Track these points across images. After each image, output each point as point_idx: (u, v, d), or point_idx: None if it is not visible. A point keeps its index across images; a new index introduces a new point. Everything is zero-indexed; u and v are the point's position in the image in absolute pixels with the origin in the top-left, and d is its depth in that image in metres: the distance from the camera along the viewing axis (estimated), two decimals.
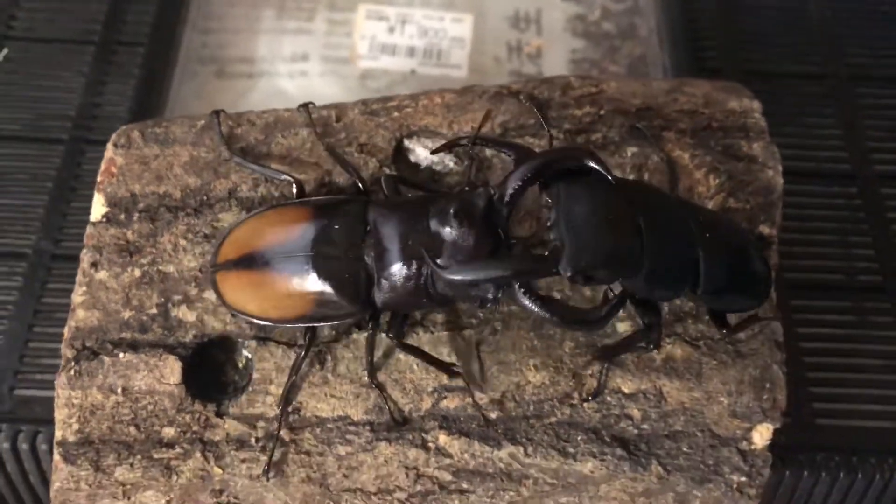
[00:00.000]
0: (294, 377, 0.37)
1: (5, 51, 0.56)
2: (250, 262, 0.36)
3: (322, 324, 0.37)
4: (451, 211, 0.34)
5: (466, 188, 0.35)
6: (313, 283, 0.36)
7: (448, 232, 0.34)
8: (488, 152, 0.39)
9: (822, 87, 0.58)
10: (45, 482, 0.44)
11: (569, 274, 0.32)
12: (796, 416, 0.45)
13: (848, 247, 0.52)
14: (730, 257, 0.36)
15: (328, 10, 0.64)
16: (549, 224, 0.33)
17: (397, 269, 0.35)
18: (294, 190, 0.38)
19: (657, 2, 0.63)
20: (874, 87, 0.58)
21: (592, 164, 0.33)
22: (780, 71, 0.59)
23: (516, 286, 0.33)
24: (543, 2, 0.66)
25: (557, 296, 0.38)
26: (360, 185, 0.38)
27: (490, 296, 0.34)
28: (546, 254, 0.32)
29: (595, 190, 0.33)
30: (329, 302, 0.36)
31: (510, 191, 0.33)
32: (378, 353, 0.37)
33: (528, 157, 0.33)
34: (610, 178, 0.33)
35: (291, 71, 0.62)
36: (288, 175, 0.38)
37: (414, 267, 0.34)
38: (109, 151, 0.40)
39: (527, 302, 0.33)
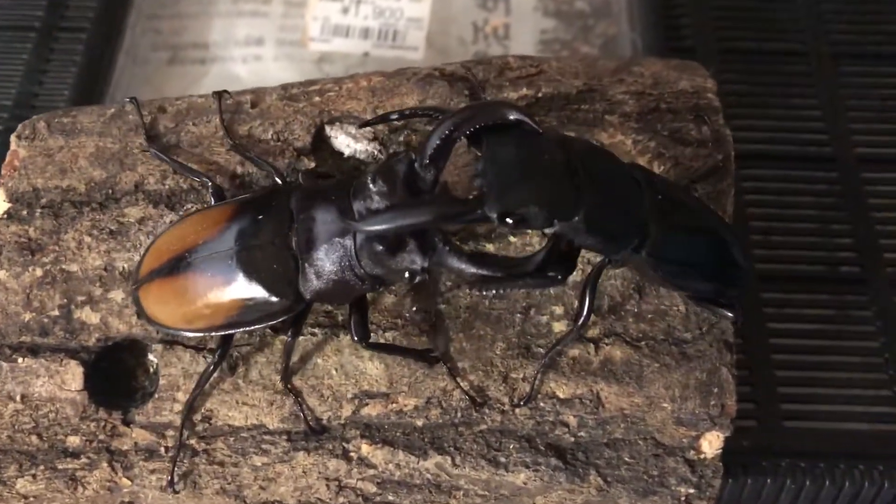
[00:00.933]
0: (202, 387, 0.34)
1: None
2: (173, 268, 0.34)
3: (254, 327, 0.35)
4: (369, 177, 0.31)
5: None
6: (240, 281, 0.33)
7: (368, 199, 0.31)
8: (415, 138, 0.37)
9: (802, 66, 0.55)
10: None
11: (495, 214, 0.30)
12: (762, 418, 0.43)
13: (826, 235, 0.49)
14: (688, 231, 0.34)
15: None
16: (476, 174, 0.30)
17: (322, 251, 0.32)
18: (210, 193, 0.35)
19: None
20: (858, 65, 0.55)
21: (515, 117, 0.31)
22: (758, 49, 0.56)
23: (443, 247, 0.31)
24: None
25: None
26: (277, 178, 0.35)
27: (417, 265, 0.31)
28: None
29: (524, 137, 0.31)
30: (258, 300, 0.33)
31: (430, 151, 0.31)
32: (294, 358, 0.35)
33: (446, 116, 0.31)
34: (537, 128, 0.31)
35: (245, 55, 0.59)
36: (206, 177, 0.35)
37: (337, 246, 0.32)
38: (13, 144, 0.37)
39: (456, 262, 0.31)
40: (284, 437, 0.35)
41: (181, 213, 0.36)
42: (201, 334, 0.35)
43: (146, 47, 0.59)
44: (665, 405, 0.34)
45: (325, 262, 0.32)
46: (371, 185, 0.31)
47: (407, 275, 0.32)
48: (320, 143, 0.37)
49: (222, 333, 0.34)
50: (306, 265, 0.32)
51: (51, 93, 0.53)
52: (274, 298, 0.33)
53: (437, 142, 0.31)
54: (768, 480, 0.41)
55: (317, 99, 0.37)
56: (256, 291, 0.33)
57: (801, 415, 0.43)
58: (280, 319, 0.34)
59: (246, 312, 0.34)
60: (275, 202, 0.34)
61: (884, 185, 0.50)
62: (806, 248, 0.48)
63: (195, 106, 0.37)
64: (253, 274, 0.33)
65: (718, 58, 0.55)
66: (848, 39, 0.56)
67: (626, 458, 0.35)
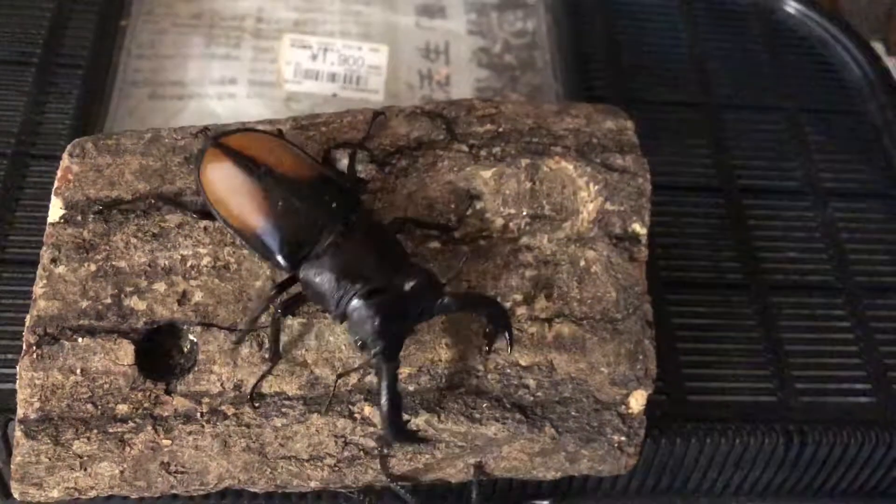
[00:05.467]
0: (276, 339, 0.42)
1: None
2: (245, 161, 0.41)
3: (244, 245, 0.42)
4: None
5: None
6: (275, 216, 0.40)
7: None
8: (404, 162, 0.46)
9: (694, 113, 0.66)
10: None
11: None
12: (671, 393, 0.53)
13: (716, 250, 0.60)
14: None
15: (254, 39, 0.70)
16: None
17: (328, 278, 0.40)
18: None
19: (552, 37, 0.71)
20: (738, 113, 0.67)
21: None
22: (658, 99, 0.67)
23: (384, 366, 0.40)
24: (451, 35, 0.73)
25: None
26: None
27: (366, 352, 0.40)
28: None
29: None
30: (270, 235, 0.40)
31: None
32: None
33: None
34: None
35: (220, 93, 0.67)
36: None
37: (347, 282, 0.39)
38: (66, 161, 0.44)
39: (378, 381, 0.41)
40: (301, 401, 0.43)
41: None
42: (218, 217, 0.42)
43: (130, 83, 0.66)
44: (603, 369, 0.44)
45: (328, 279, 0.40)
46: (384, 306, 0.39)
47: (359, 345, 0.40)
48: (328, 163, 0.46)
49: (229, 229, 0.42)
50: (316, 262, 0.40)
51: (53, 121, 0.59)
52: (279, 254, 0.40)
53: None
54: (678, 440, 0.51)
55: (323, 129, 0.46)
56: (277, 231, 0.40)
57: (700, 390, 0.53)
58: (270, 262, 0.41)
59: (255, 237, 0.41)
60: (343, 201, 0.41)
61: (761, 209, 0.62)
62: (700, 259, 0.59)
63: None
64: (285, 223, 0.40)
65: (625, 105, 0.66)
66: (728, 92, 0.68)
67: (573, 413, 0.44)
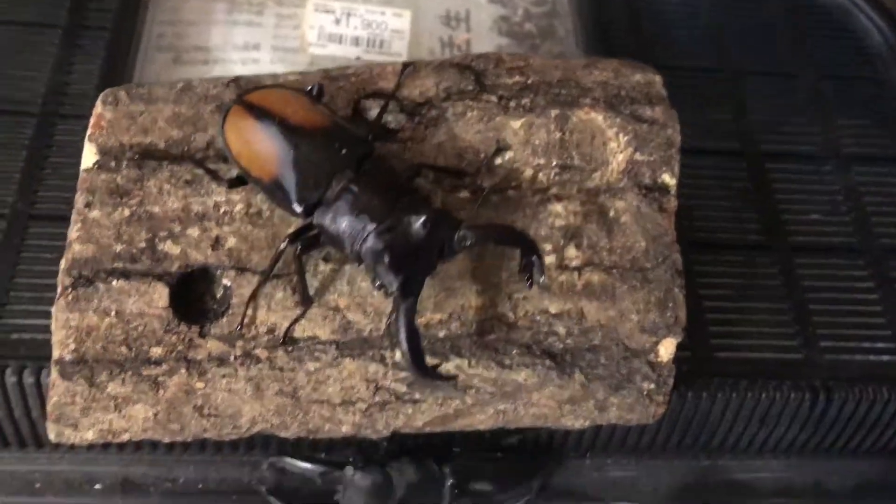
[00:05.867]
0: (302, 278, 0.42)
1: None
2: (262, 114, 0.42)
3: (264, 196, 0.43)
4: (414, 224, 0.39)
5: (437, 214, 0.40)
6: (287, 163, 0.41)
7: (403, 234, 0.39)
8: (433, 112, 0.46)
9: (714, 80, 0.67)
10: (29, 410, 0.47)
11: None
12: (698, 350, 0.53)
13: (738, 212, 0.60)
14: None
15: (277, 6, 0.70)
16: None
17: (345, 218, 0.40)
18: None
19: (573, 6, 0.71)
20: (759, 80, 0.67)
21: None
22: (679, 65, 0.67)
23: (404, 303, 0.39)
24: (472, 3, 0.73)
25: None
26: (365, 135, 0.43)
27: (389, 288, 0.40)
28: None
29: None
30: (285, 182, 0.41)
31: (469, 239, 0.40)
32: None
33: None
34: None
35: (244, 59, 0.67)
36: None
37: (354, 227, 0.40)
38: (99, 108, 0.45)
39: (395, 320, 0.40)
40: (334, 346, 0.43)
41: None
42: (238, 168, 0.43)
43: (154, 48, 0.66)
44: (633, 317, 0.44)
45: (341, 223, 0.41)
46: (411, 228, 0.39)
47: (377, 284, 0.40)
48: (358, 113, 0.46)
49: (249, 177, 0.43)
50: (331, 206, 0.41)
51: (79, 82, 0.59)
52: (296, 202, 0.41)
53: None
54: (704, 394, 0.51)
55: (353, 80, 0.46)
56: (290, 177, 0.41)
57: (725, 347, 0.54)
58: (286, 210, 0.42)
59: (270, 183, 0.42)
60: (355, 148, 0.42)
61: (783, 174, 0.62)
62: (722, 220, 0.59)
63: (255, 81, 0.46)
64: (301, 165, 0.41)
65: None
66: (747, 59, 0.68)
67: (603, 360, 0.44)
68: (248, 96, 0.44)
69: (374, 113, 0.46)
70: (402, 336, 0.39)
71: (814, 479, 0.56)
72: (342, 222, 0.40)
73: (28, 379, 0.46)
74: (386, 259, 0.39)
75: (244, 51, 0.67)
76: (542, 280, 0.41)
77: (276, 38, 0.68)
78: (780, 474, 0.56)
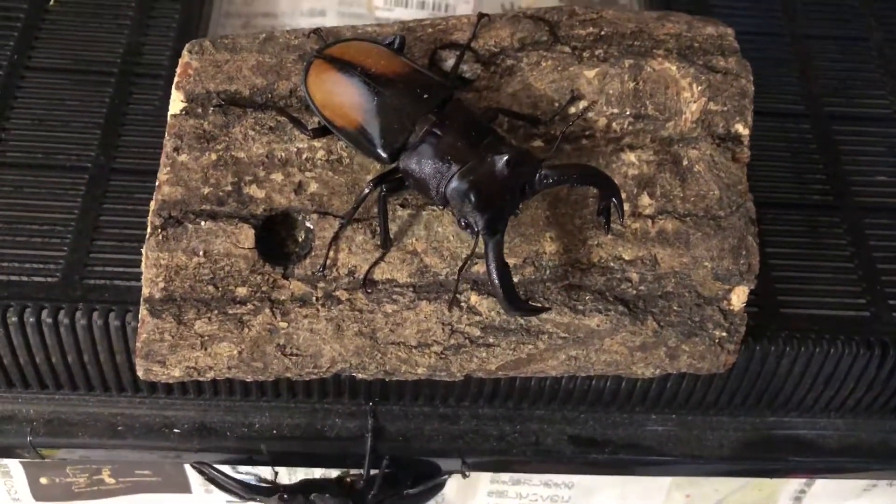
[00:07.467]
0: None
1: None
2: (343, 65, 0.43)
3: (348, 144, 0.44)
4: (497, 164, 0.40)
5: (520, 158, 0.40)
6: (372, 111, 0.42)
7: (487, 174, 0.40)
8: (509, 62, 0.47)
9: (778, 43, 0.67)
10: (113, 353, 0.49)
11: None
12: (765, 306, 0.53)
13: (803, 173, 0.60)
14: None
15: None
16: None
17: (430, 160, 0.41)
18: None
19: None
20: (823, 42, 0.67)
21: None
22: (744, 29, 0.67)
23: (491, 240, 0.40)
24: None
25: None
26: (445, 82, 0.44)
27: (474, 227, 0.40)
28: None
29: None
30: (370, 130, 0.42)
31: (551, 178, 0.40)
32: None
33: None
34: None
35: (311, 25, 0.68)
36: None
37: (445, 165, 0.41)
38: (185, 57, 0.46)
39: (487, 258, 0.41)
40: (411, 289, 0.44)
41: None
42: (320, 118, 0.44)
43: (223, 15, 0.68)
44: (706, 264, 0.45)
45: (426, 166, 0.42)
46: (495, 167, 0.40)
47: (464, 224, 0.41)
48: (434, 63, 0.47)
49: (331, 128, 0.44)
50: (408, 154, 0.41)
51: (156, 43, 0.61)
52: (382, 147, 0.42)
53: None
54: (771, 348, 0.51)
55: (430, 30, 0.47)
56: (372, 130, 0.42)
57: (792, 304, 0.54)
58: (372, 156, 0.43)
59: (355, 133, 0.43)
60: (436, 93, 0.42)
61: (848, 136, 0.62)
62: (788, 181, 0.59)
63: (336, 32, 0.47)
64: (381, 116, 0.42)
65: None
66: (815, 23, 0.67)
67: (675, 307, 0.45)
68: (328, 50, 0.45)
69: (449, 63, 0.47)
70: (494, 271, 0.40)
71: (879, 439, 0.56)
72: (427, 165, 0.41)
73: (114, 322, 0.48)
74: (472, 198, 0.39)
75: (310, 17, 0.69)
76: (622, 221, 0.42)
77: (342, 3, 0.69)
78: (846, 433, 0.56)
